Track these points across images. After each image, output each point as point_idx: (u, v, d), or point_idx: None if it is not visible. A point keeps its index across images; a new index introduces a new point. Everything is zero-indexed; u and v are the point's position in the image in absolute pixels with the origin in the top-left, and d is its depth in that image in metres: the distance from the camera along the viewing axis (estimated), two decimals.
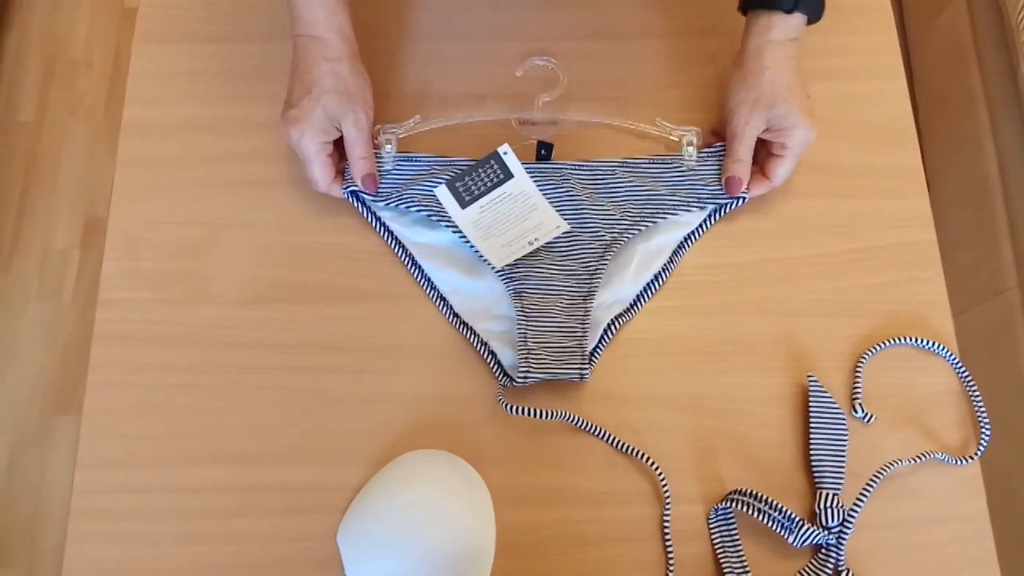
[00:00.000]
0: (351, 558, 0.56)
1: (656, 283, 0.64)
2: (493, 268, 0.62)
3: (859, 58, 0.72)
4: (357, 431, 0.61)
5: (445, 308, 0.63)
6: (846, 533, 0.56)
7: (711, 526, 0.59)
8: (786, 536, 0.57)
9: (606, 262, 0.63)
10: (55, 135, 1.50)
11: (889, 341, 0.63)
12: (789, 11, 0.61)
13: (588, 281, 0.63)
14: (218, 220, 0.66)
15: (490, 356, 0.62)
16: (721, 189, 0.65)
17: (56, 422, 1.33)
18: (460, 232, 0.63)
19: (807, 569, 0.57)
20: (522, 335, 0.60)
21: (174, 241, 0.66)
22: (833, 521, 0.57)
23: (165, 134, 0.69)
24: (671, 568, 0.57)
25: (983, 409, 0.62)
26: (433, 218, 0.64)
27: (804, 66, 0.66)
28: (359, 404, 0.61)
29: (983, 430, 0.61)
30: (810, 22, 0.62)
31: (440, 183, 0.64)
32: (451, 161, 0.66)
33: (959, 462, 0.60)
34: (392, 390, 0.62)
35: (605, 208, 0.65)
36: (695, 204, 0.65)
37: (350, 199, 0.65)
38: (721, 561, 0.57)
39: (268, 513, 0.59)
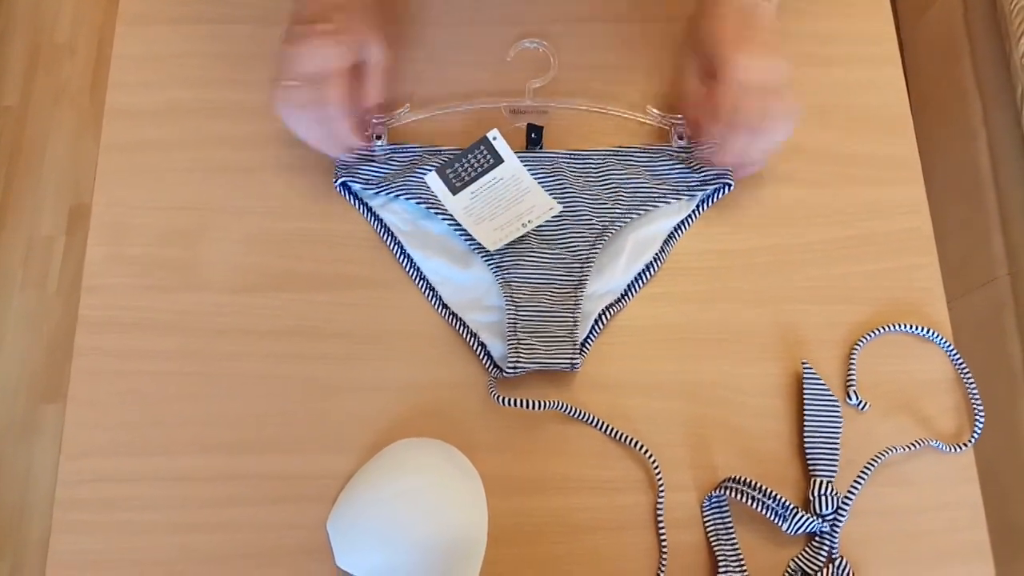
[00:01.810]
0: (341, 547, 0.56)
1: (647, 273, 0.64)
2: (483, 255, 0.62)
3: (854, 45, 0.72)
4: (348, 419, 0.60)
5: (434, 299, 0.63)
6: (840, 521, 0.56)
7: (704, 514, 0.58)
8: (780, 524, 0.56)
9: (597, 251, 0.62)
10: (39, 121, 1.48)
11: (884, 328, 0.63)
12: None
13: (579, 270, 0.62)
14: (206, 206, 0.65)
15: (479, 348, 0.61)
16: (711, 177, 0.64)
17: (42, 411, 1.32)
18: (453, 221, 0.62)
19: (801, 556, 0.57)
20: (512, 325, 0.60)
21: (160, 227, 0.65)
22: (827, 509, 0.56)
23: (150, 118, 0.68)
24: (664, 556, 0.57)
25: (977, 397, 0.61)
26: (424, 206, 0.63)
27: (799, 52, 0.65)
28: (350, 392, 0.61)
29: (977, 418, 0.61)
30: None
31: (431, 170, 0.63)
32: (441, 151, 0.65)
33: (953, 449, 0.60)
34: (384, 377, 0.61)
35: (596, 197, 0.64)
36: (685, 193, 0.65)
37: (340, 191, 0.65)
38: (715, 549, 0.57)
39: (257, 502, 0.58)
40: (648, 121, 0.67)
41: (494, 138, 0.63)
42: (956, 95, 1.25)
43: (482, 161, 0.63)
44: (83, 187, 1.45)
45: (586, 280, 0.62)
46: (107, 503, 0.58)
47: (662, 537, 0.57)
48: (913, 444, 0.59)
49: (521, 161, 0.63)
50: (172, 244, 0.64)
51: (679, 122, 0.66)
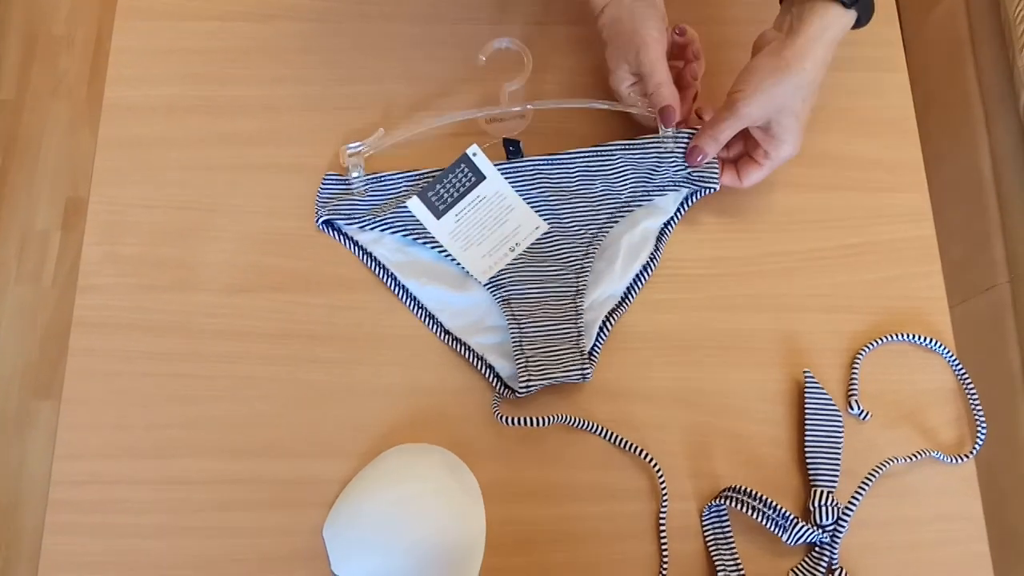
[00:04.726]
0: (337, 553, 0.55)
1: (645, 273, 0.63)
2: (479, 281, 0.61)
3: (860, 49, 0.71)
4: (345, 423, 0.59)
5: (435, 327, 0.61)
6: (840, 531, 0.56)
7: (704, 523, 0.58)
8: (780, 534, 0.56)
9: (591, 258, 0.62)
10: (36, 114, 1.47)
11: (886, 337, 0.62)
12: (849, 5, 0.56)
13: (576, 279, 0.61)
14: (204, 205, 0.64)
15: (487, 370, 0.60)
16: (697, 170, 0.63)
17: (35, 407, 1.31)
18: (441, 248, 0.61)
19: (800, 567, 0.57)
20: (517, 343, 0.59)
21: (158, 225, 0.64)
22: (828, 519, 0.56)
23: (149, 114, 0.67)
24: (665, 565, 0.57)
25: (979, 408, 0.61)
26: (410, 238, 0.62)
27: None
28: (347, 396, 0.60)
29: (979, 428, 0.60)
30: (858, 24, 0.59)
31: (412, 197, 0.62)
32: (422, 175, 0.63)
33: (954, 460, 0.60)
34: (382, 382, 0.60)
35: (583, 202, 0.63)
36: (670, 187, 0.63)
37: (324, 229, 0.63)
38: (714, 559, 0.57)
39: (252, 506, 0.57)
40: (632, 111, 0.64)
41: (474, 154, 0.62)
42: (959, 101, 1.25)
43: (464, 180, 0.62)
44: (79, 180, 1.43)
45: (584, 289, 0.61)
46: (100, 505, 0.57)
47: (663, 546, 0.57)
48: (914, 455, 0.59)
49: (502, 173, 0.62)
50: (169, 243, 0.63)
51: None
